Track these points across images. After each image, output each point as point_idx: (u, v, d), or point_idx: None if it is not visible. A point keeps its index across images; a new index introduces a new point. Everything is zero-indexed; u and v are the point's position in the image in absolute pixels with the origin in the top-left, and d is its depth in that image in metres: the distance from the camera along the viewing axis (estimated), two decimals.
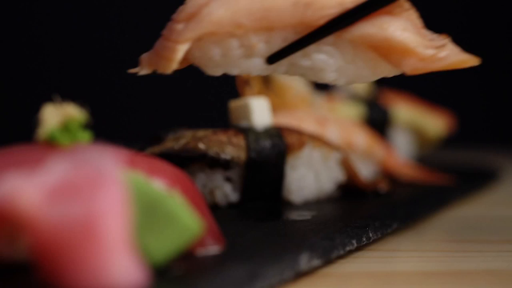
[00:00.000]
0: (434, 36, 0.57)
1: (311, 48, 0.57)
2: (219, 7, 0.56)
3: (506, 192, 0.96)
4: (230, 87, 0.80)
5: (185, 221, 0.44)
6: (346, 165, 0.76)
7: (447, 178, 0.90)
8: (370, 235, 0.58)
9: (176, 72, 0.58)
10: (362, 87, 1.05)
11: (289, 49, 0.57)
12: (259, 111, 0.72)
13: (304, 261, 0.49)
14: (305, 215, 0.65)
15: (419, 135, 1.09)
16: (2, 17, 1.52)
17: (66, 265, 0.39)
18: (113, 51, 1.52)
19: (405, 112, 1.06)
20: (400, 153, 1.00)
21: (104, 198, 0.39)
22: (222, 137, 0.69)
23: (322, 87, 0.97)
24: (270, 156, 0.70)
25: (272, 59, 0.57)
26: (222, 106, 0.78)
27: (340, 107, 0.95)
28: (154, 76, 0.63)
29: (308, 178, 0.73)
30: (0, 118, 1.51)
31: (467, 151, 1.38)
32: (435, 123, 1.09)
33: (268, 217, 0.65)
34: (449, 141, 1.17)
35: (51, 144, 0.45)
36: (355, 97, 1.01)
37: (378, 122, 0.99)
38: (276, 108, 0.79)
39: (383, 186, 0.78)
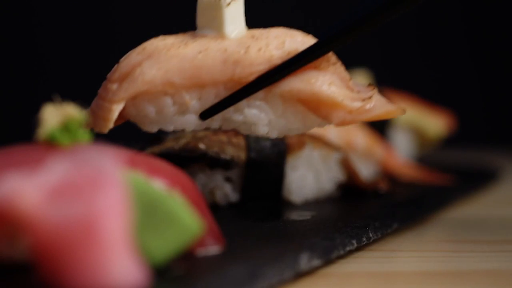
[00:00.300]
0: (361, 87, 0.60)
1: (243, 103, 0.59)
2: (151, 66, 0.58)
3: (506, 192, 0.96)
4: None
5: (185, 221, 0.44)
6: (346, 165, 0.76)
7: (447, 178, 0.90)
8: (370, 235, 0.58)
9: None
10: None
11: (221, 105, 0.59)
12: None
13: (304, 261, 0.49)
14: (305, 215, 0.65)
15: (419, 135, 1.09)
16: (2, 17, 1.52)
17: (66, 265, 0.39)
18: (113, 51, 1.52)
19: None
20: (400, 153, 1.00)
21: (104, 198, 0.39)
22: (222, 137, 0.69)
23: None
24: (270, 156, 0.70)
25: (205, 115, 0.59)
26: None
27: None
28: None
29: (308, 178, 0.73)
30: (0, 118, 1.51)
31: (467, 151, 1.38)
32: (435, 123, 1.09)
33: (268, 217, 0.65)
34: (449, 141, 1.17)
35: (51, 144, 0.45)
36: None
37: (378, 122, 0.99)
38: None
39: (383, 186, 0.78)
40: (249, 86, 0.58)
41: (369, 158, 0.87)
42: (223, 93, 0.59)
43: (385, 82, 1.13)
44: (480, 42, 1.67)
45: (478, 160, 1.22)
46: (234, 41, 0.59)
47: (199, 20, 0.61)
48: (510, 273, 0.53)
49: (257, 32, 0.60)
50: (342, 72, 0.59)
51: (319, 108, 0.58)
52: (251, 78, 0.58)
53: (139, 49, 0.59)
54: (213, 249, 0.49)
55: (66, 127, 0.45)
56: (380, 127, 0.98)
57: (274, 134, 0.60)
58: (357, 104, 0.58)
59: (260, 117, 0.59)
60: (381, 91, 1.08)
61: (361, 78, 1.06)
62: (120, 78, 0.58)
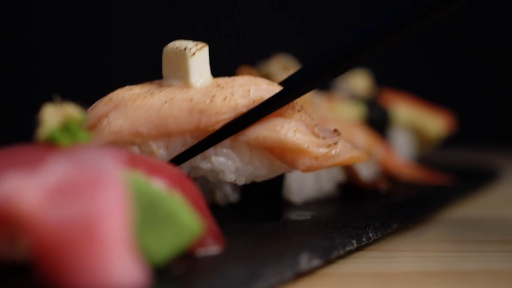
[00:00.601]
0: (327, 133, 0.61)
1: (210, 151, 0.60)
2: (118, 117, 0.59)
3: (506, 192, 0.96)
4: None
5: (185, 221, 0.44)
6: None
7: (447, 178, 0.90)
8: (370, 235, 0.58)
9: None
10: (362, 87, 1.05)
11: (188, 153, 0.60)
12: None
13: (304, 261, 0.49)
14: (305, 215, 0.65)
15: (419, 135, 1.09)
16: (2, 17, 1.52)
17: (66, 265, 0.39)
18: (113, 51, 1.52)
19: (405, 112, 1.06)
20: (400, 153, 1.00)
21: (104, 198, 0.39)
22: None
23: (322, 87, 0.97)
24: None
25: (172, 163, 0.59)
26: None
27: (340, 107, 0.95)
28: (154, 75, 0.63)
29: (308, 178, 0.73)
30: (0, 118, 1.51)
31: (467, 151, 1.38)
32: (435, 123, 1.09)
33: (268, 217, 0.65)
34: (449, 141, 1.17)
35: (51, 144, 0.45)
36: (355, 97, 1.01)
37: (378, 122, 0.99)
38: None
39: (383, 186, 0.78)
40: (215, 135, 0.59)
41: (369, 158, 0.87)
42: (190, 142, 0.60)
43: (385, 82, 1.13)
44: (480, 42, 1.67)
45: (478, 160, 1.22)
46: (200, 90, 0.60)
47: (165, 70, 0.61)
48: (510, 273, 0.53)
49: (223, 80, 0.61)
50: (307, 118, 0.60)
51: (285, 154, 0.59)
52: (217, 126, 0.59)
53: (105, 99, 0.60)
54: (213, 249, 0.49)
55: (66, 127, 0.45)
56: (380, 127, 0.99)
57: (241, 181, 0.61)
58: (323, 150, 0.59)
59: (227, 164, 0.60)
60: (381, 91, 1.09)
61: (361, 78, 1.06)
62: (87, 129, 0.59)
